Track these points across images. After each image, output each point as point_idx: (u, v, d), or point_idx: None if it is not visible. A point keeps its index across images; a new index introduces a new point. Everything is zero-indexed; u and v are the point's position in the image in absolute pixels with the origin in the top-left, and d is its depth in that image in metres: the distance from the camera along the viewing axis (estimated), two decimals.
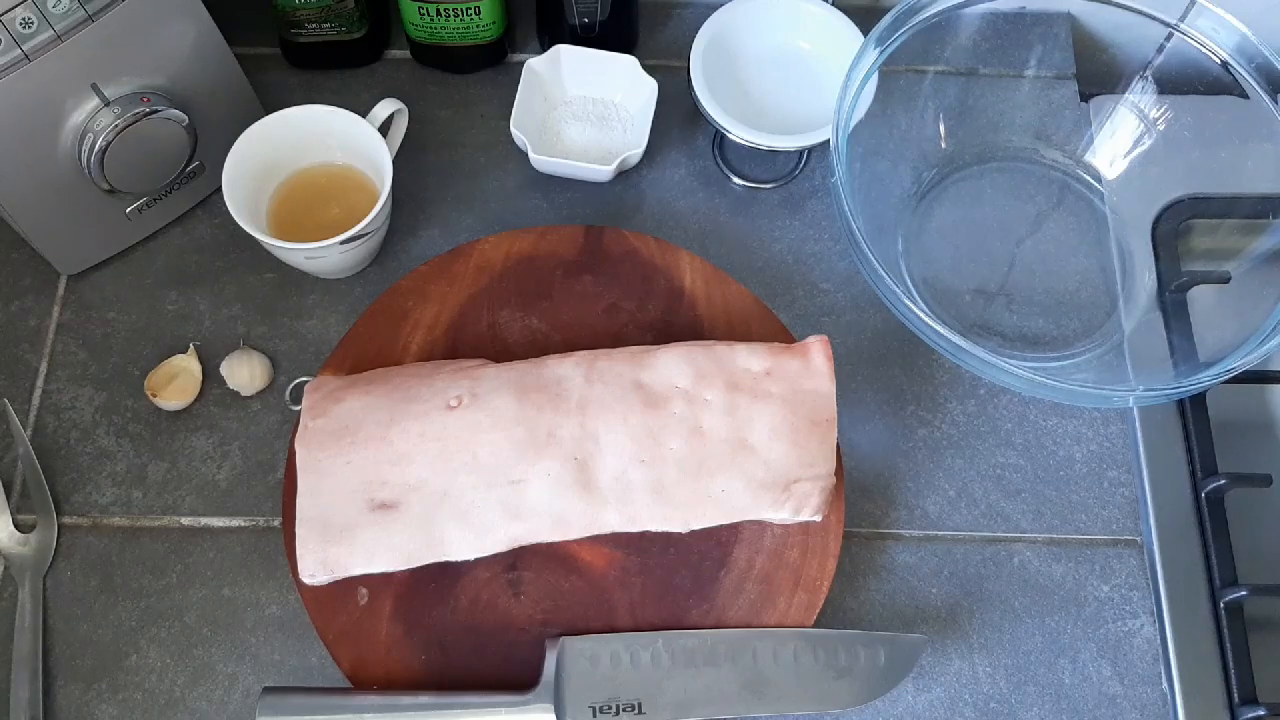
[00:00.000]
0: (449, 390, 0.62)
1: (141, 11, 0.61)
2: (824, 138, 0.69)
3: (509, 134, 0.72)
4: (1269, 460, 0.75)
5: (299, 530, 0.60)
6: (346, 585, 0.62)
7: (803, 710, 0.60)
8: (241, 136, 0.67)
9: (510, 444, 0.61)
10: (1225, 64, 0.69)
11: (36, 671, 0.62)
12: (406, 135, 0.73)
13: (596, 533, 0.61)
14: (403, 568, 0.60)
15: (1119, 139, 0.77)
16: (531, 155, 0.72)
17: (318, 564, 0.59)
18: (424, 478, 0.60)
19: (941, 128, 0.77)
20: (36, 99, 0.60)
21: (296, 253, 0.66)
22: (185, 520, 0.67)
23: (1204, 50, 0.69)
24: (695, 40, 0.73)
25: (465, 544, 0.60)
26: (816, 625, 0.63)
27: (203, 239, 0.74)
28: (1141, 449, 0.71)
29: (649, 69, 0.74)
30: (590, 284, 0.70)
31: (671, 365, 0.63)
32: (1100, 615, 0.66)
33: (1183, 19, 0.69)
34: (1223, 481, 0.68)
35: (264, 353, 0.70)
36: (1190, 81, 0.72)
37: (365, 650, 0.62)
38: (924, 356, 0.71)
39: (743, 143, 0.71)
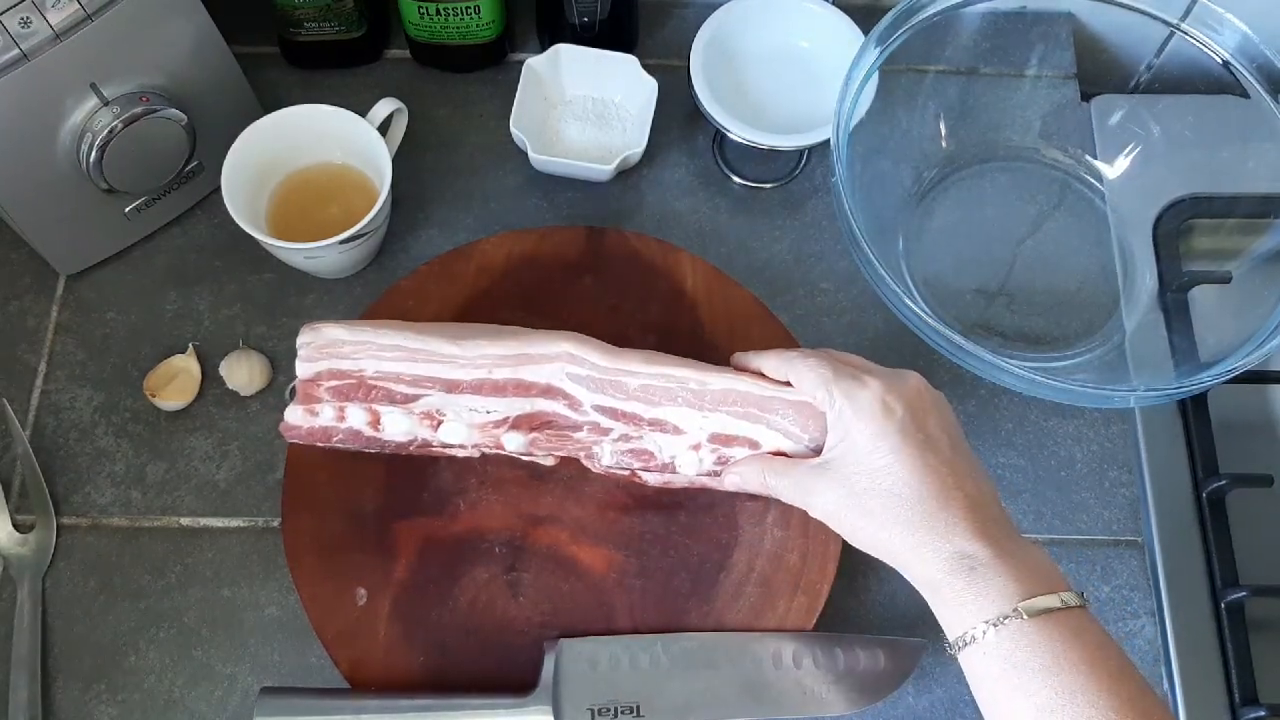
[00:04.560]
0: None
1: (141, 11, 0.60)
2: (824, 138, 0.69)
3: (509, 134, 0.72)
4: (1270, 460, 0.75)
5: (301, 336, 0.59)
6: (345, 586, 0.62)
7: (802, 714, 0.60)
8: (241, 136, 0.66)
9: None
10: (1226, 64, 0.69)
11: (35, 672, 0.62)
12: (406, 135, 0.73)
13: (617, 376, 0.59)
14: (412, 343, 0.59)
15: (1119, 139, 0.77)
16: (531, 155, 0.72)
17: (324, 323, 0.59)
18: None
19: (942, 127, 0.77)
20: (36, 99, 0.60)
21: (296, 253, 0.66)
22: (184, 520, 0.67)
23: (1204, 50, 0.69)
24: (695, 40, 0.73)
25: (479, 342, 0.59)
26: (816, 628, 0.62)
27: (202, 239, 0.74)
28: (1143, 449, 0.71)
29: (649, 69, 0.73)
30: (591, 285, 0.70)
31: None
32: (1101, 616, 0.66)
33: (1183, 19, 0.69)
34: (1224, 482, 0.68)
35: (263, 353, 0.70)
36: (1190, 81, 0.71)
37: (364, 651, 0.61)
38: (924, 356, 0.71)
39: (743, 142, 0.71)
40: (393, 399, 0.59)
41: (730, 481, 0.60)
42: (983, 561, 0.50)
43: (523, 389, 0.59)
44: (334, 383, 0.59)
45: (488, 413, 0.59)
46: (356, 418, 0.59)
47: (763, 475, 0.58)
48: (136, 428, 0.69)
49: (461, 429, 0.59)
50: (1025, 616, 0.48)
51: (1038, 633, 0.48)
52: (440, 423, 0.59)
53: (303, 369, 0.59)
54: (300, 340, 0.59)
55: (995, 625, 0.49)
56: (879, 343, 0.72)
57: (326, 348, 0.59)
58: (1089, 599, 0.51)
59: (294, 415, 0.59)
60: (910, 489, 0.52)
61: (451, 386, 0.59)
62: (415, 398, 0.59)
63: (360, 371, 0.59)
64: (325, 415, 0.59)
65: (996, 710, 0.49)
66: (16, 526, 0.66)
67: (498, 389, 0.59)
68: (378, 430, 0.59)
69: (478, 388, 0.59)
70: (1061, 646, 0.48)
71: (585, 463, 0.61)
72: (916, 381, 0.56)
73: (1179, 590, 0.67)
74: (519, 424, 0.59)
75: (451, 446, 0.60)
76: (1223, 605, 0.66)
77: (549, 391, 0.59)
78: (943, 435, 0.54)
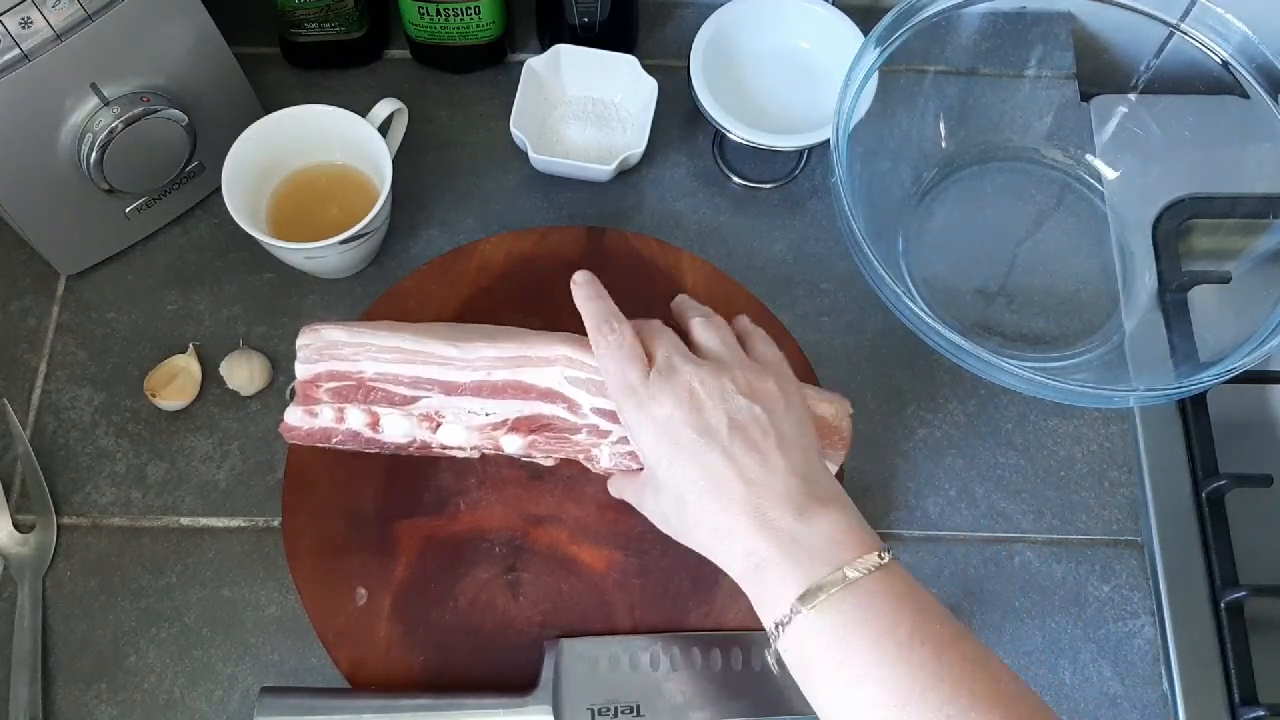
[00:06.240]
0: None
1: (141, 11, 0.61)
2: (824, 138, 0.69)
3: (509, 134, 0.72)
4: (1269, 460, 0.75)
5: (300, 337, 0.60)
6: (345, 586, 0.63)
7: (803, 713, 0.60)
8: (241, 136, 0.67)
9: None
10: (1225, 64, 0.69)
11: (36, 671, 0.62)
12: (406, 135, 0.73)
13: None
14: (410, 344, 0.59)
15: (1119, 139, 0.77)
16: (531, 155, 0.72)
17: (323, 325, 0.59)
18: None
19: (942, 127, 0.77)
20: (36, 99, 0.60)
21: (296, 253, 0.66)
22: (185, 520, 0.67)
23: (1204, 50, 0.69)
24: (695, 40, 0.73)
25: (478, 343, 0.59)
26: None
27: (202, 239, 0.74)
28: (1142, 449, 0.71)
29: (649, 69, 0.74)
30: None
31: None
32: (1101, 615, 0.66)
33: (1183, 19, 0.69)
34: (1223, 482, 0.68)
35: (264, 353, 0.70)
36: (1190, 81, 0.71)
37: (364, 650, 0.62)
38: (924, 356, 0.71)
39: (743, 143, 0.71)
40: (392, 400, 0.59)
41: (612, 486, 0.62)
42: (765, 558, 0.49)
43: (521, 391, 0.59)
44: (333, 384, 0.59)
45: (486, 415, 0.59)
46: (355, 419, 0.59)
47: (618, 486, 0.61)
48: (137, 428, 0.69)
49: (460, 431, 0.59)
50: (805, 610, 0.47)
51: (819, 624, 0.47)
52: (439, 424, 0.59)
53: (302, 370, 0.59)
54: (300, 342, 0.59)
55: (783, 626, 0.48)
56: (879, 343, 0.72)
57: (326, 349, 0.59)
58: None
59: (293, 416, 0.59)
60: (694, 495, 0.52)
61: (450, 388, 0.59)
62: (414, 399, 0.59)
63: (359, 373, 0.59)
64: (324, 416, 0.59)
65: (812, 702, 0.49)
66: (17, 526, 0.66)
67: (496, 391, 0.59)
68: (377, 432, 0.59)
69: (476, 390, 0.59)
70: (845, 631, 0.47)
71: (585, 463, 0.61)
72: (687, 375, 0.53)
73: (1179, 590, 0.67)
74: (518, 426, 0.59)
75: (450, 448, 0.60)
76: (1222, 605, 0.66)
77: (548, 395, 0.59)
78: (719, 418, 0.52)
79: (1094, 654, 0.65)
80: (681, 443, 0.52)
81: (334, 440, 0.59)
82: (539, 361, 0.59)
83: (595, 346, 0.57)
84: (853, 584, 0.48)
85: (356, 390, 0.59)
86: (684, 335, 0.58)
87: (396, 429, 0.59)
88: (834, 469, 0.60)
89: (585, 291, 0.58)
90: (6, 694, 0.62)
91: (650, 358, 0.55)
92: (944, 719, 0.45)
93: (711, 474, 0.51)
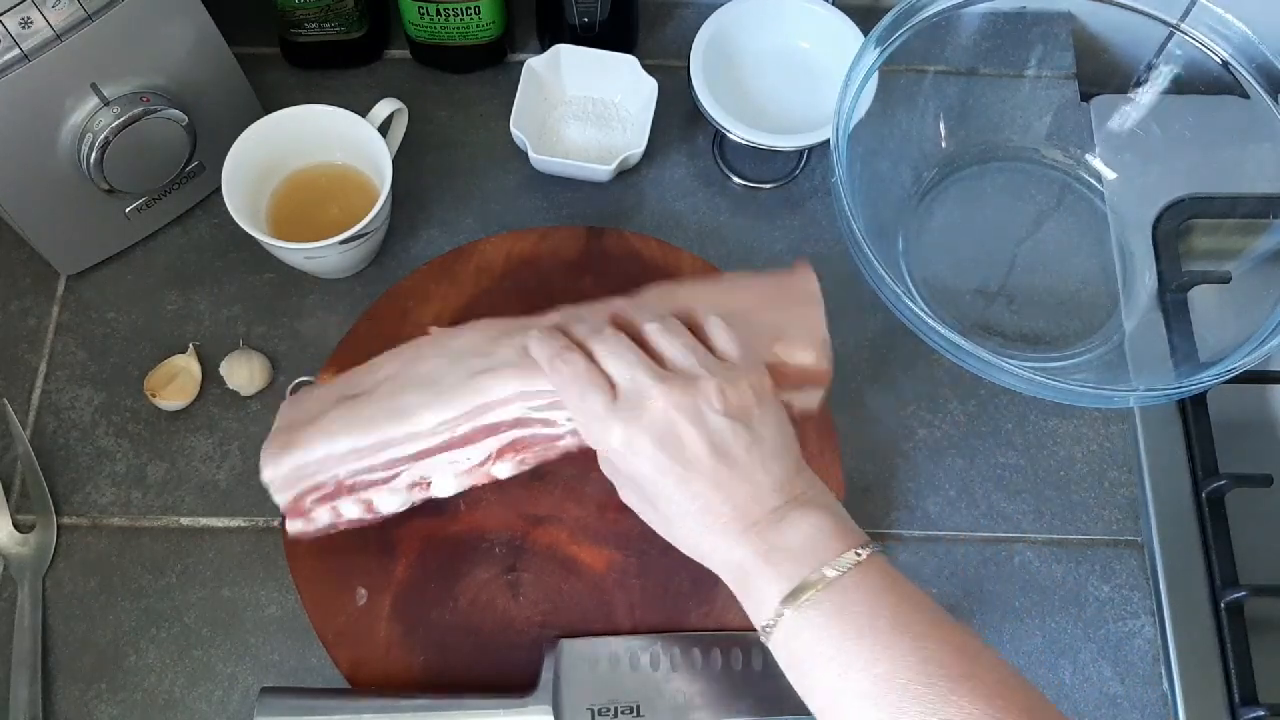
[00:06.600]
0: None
1: (141, 11, 0.61)
2: (824, 138, 0.69)
3: (509, 134, 0.72)
4: (1269, 460, 0.75)
5: (272, 434, 0.59)
6: (345, 586, 0.63)
7: (802, 714, 0.60)
8: (241, 136, 0.67)
9: (489, 331, 0.59)
10: (1226, 64, 0.69)
11: (36, 671, 0.62)
12: (406, 135, 0.73)
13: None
14: (364, 441, 0.58)
15: (1119, 139, 0.77)
16: (531, 155, 0.72)
17: (279, 453, 0.58)
18: (394, 370, 0.59)
19: (942, 127, 0.77)
20: (36, 99, 0.60)
21: (296, 253, 0.66)
22: (185, 520, 0.67)
23: (1204, 50, 0.69)
24: (695, 40, 0.73)
25: (427, 410, 0.58)
26: None
27: (202, 239, 0.74)
28: (1142, 449, 0.71)
29: (649, 69, 0.74)
30: (591, 286, 0.70)
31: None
32: (1101, 615, 0.66)
33: (1183, 19, 0.69)
34: (1223, 482, 0.68)
35: (264, 353, 0.70)
36: (1190, 81, 0.71)
37: (364, 650, 0.62)
38: (924, 357, 0.71)
39: (743, 143, 0.71)
40: (375, 485, 0.59)
41: (538, 352, 0.56)
42: (750, 568, 0.50)
43: (491, 430, 0.58)
44: (316, 494, 0.58)
45: (468, 459, 0.58)
46: (351, 510, 0.59)
47: (582, 399, 0.54)
48: (137, 428, 0.69)
49: (450, 480, 0.59)
50: (789, 612, 0.49)
51: (803, 623, 0.48)
52: (430, 483, 0.59)
53: (280, 499, 0.59)
54: (265, 478, 0.58)
55: (770, 629, 0.49)
56: (879, 343, 0.72)
57: (291, 476, 0.58)
58: (882, 549, 0.51)
59: (294, 527, 0.59)
60: (678, 515, 0.52)
61: (423, 455, 0.58)
62: (395, 476, 0.59)
63: (335, 478, 0.58)
64: (322, 519, 0.59)
65: (806, 701, 0.50)
66: (17, 526, 0.66)
67: (467, 440, 0.58)
68: (373, 513, 0.59)
69: (446, 447, 0.58)
70: (828, 627, 0.48)
71: None
72: (659, 403, 0.51)
73: (1179, 590, 0.67)
74: (503, 453, 0.58)
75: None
76: (1222, 605, 0.66)
77: (519, 423, 0.58)
78: (701, 447, 0.51)
79: (1094, 654, 0.65)
80: (664, 471, 0.52)
81: (340, 528, 0.59)
82: (497, 405, 0.58)
83: (553, 384, 0.55)
84: (833, 582, 0.49)
85: (338, 491, 0.59)
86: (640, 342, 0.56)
87: (392, 503, 0.59)
88: (817, 399, 0.59)
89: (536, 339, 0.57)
90: (6, 694, 0.62)
91: (610, 379, 0.54)
92: (920, 702, 0.45)
93: (697, 500, 0.52)
